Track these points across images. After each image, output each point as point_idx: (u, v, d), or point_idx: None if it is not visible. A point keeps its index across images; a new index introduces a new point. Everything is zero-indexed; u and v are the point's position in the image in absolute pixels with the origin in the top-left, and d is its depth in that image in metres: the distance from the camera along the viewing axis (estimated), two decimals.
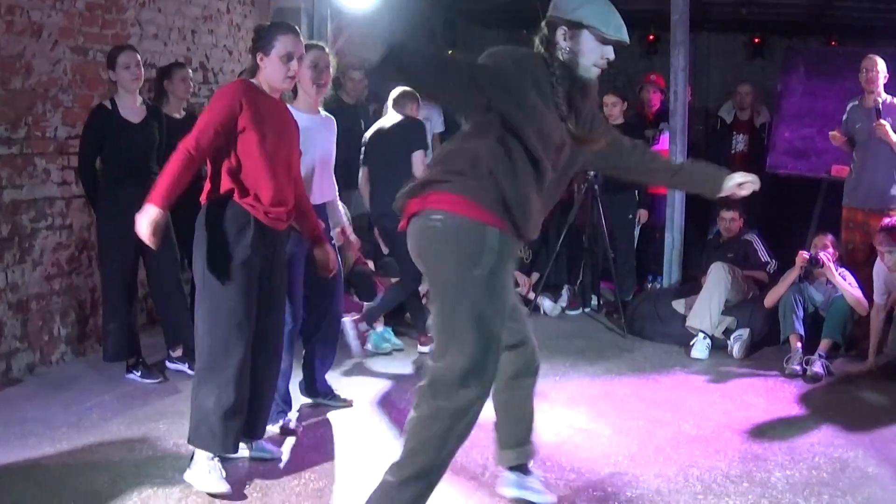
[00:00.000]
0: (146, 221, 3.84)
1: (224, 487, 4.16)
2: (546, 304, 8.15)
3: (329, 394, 5.52)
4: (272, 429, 4.88)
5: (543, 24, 3.54)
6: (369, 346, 6.79)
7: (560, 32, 3.46)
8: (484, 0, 10.35)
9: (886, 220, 6.44)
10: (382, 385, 6.00)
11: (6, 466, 4.46)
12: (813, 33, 11.00)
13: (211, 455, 4.21)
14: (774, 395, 5.89)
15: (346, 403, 5.52)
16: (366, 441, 4.95)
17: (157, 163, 5.67)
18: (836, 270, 6.58)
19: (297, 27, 4.34)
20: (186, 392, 5.67)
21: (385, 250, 7.37)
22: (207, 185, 4.22)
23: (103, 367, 6.08)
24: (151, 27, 7.03)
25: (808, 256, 6.57)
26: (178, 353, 6.14)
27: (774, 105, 8.86)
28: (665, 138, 8.36)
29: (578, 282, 8.36)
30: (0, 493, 4.16)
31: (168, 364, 6.17)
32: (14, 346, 5.85)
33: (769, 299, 6.76)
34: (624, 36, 3.49)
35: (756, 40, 12.06)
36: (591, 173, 7.60)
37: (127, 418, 5.23)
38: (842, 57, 8.30)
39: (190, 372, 5.54)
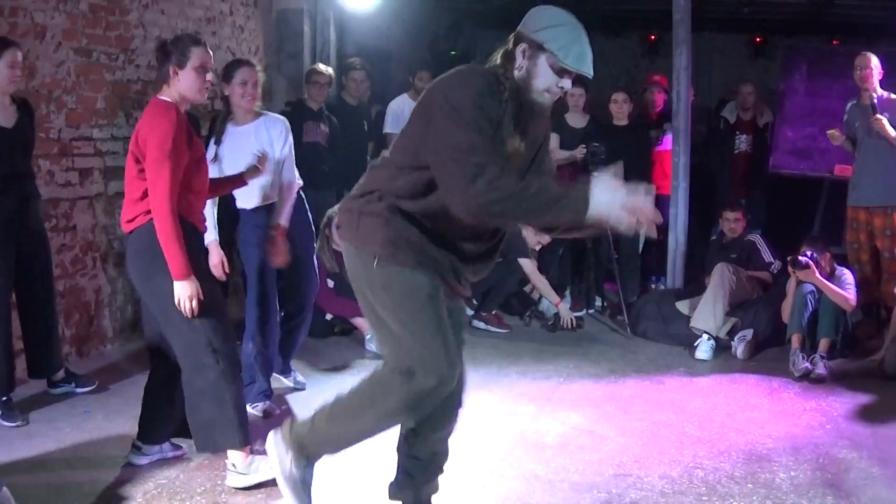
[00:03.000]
0: (190, 299, 4.01)
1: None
2: (545, 304, 8.11)
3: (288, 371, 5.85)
4: (253, 411, 5.12)
5: (511, 36, 3.34)
6: (372, 347, 6.59)
7: (520, 49, 3.26)
8: (488, 1, 10.32)
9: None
10: None
11: (11, 465, 4.46)
12: (814, 32, 10.99)
13: (246, 455, 4.22)
14: (778, 396, 5.89)
15: (300, 385, 5.82)
16: None
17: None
18: (836, 270, 6.64)
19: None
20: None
21: None
22: (143, 206, 4.10)
23: (106, 367, 6.12)
24: (155, 29, 7.01)
25: (789, 260, 6.61)
26: (60, 375, 5.67)
27: (777, 104, 8.85)
28: (668, 139, 8.36)
29: (582, 283, 8.35)
30: None
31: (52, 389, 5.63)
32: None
33: (785, 313, 6.71)
34: (585, 68, 3.23)
35: (758, 40, 12.06)
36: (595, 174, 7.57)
37: (130, 417, 5.19)
38: (843, 56, 8.27)
39: (79, 391, 5.61)
